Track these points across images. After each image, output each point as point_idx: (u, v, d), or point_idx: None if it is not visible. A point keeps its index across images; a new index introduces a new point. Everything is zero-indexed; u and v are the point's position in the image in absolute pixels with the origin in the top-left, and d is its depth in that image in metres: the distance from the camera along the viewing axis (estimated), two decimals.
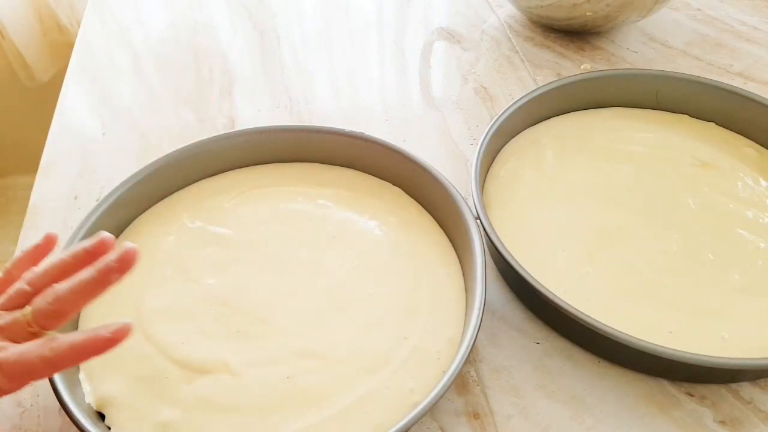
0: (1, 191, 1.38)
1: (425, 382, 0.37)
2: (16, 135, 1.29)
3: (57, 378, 0.36)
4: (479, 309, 0.39)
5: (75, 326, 0.42)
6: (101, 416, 0.38)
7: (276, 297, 0.42)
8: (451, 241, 0.46)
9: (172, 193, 0.49)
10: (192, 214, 0.48)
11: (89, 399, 0.38)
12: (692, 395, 0.41)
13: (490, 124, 0.50)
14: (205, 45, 0.72)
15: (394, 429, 0.34)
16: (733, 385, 0.42)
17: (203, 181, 0.50)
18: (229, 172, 0.51)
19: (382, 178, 0.50)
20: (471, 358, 0.43)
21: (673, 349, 0.37)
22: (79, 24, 0.81)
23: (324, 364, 0.39)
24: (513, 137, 0.55)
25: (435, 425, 0.40)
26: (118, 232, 0.47)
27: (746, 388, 0.41)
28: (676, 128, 0.56)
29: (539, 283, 0.41)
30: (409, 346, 0.40)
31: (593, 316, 0.39)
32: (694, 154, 0.53)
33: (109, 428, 0.37)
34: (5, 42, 1.14)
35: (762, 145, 0.54)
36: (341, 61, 0.70)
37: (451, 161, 0.57)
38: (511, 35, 0.72)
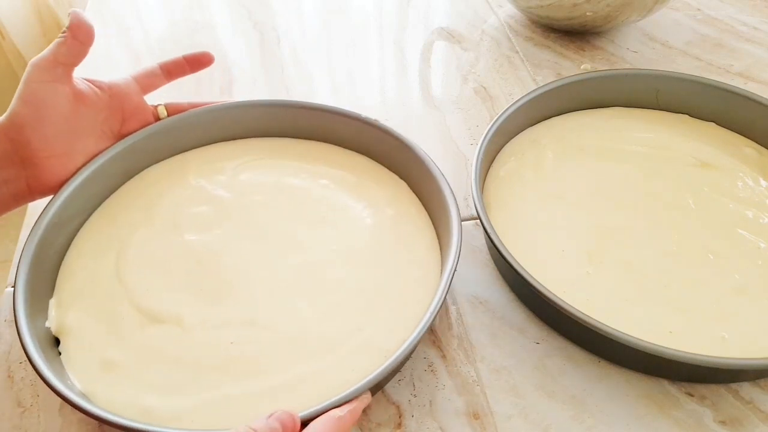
0: None
1: (364, 375, 0.36)
2: None
3: (20, 299, 0.39)
4: (432, 312, 0.38)
5: (54, 279, 0.43)
6: (58, 342, 0.40)
7: (248, 265, 0.43)
8: (440, 243, 0.45)
9: (187, 150, 0.51)
10: (198, 173, 0.50)
11: (50, 323, 0.40)
12: (692, 395, 0.41)
13: (490, 124, 0.50)
14: (205, 45, 0.72)
15: (306, 412, 0.33)
16: (733, 385, 0.42)
17: (219, 143, 0.52)
18: (246, 139, 0.52)
19: (390, 169, 0.50)
20: (470, 357, 0.43)
21: (673, 349, 0.37)
22: None
23: (271, 338, 0.39)
24: (513, 137, 0.55)
25: (435, 425, 0.40)
26: (127, 177, 0.49)
27: (746, 388, 0.41)
28: (676, 128, 0.56)
29: (539, 283, 0.41)
30: (360, 338, 0.40)
31: (593, 316, 0.39)
32: (694, 154, 0.53)
33: (60, 354, 0.40)
34: (5, 42, 1.14)
35: (762, 145, 0.54)
36: (341, 60, 0.70)
37: (451, 161, 0.57)
38: (511, 35, 0.72)
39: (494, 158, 0.53)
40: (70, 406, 0.40)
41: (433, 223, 0.47)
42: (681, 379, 0.42)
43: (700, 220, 0.48)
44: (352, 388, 0.35)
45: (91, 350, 0.39)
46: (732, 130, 0.55)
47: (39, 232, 0.42)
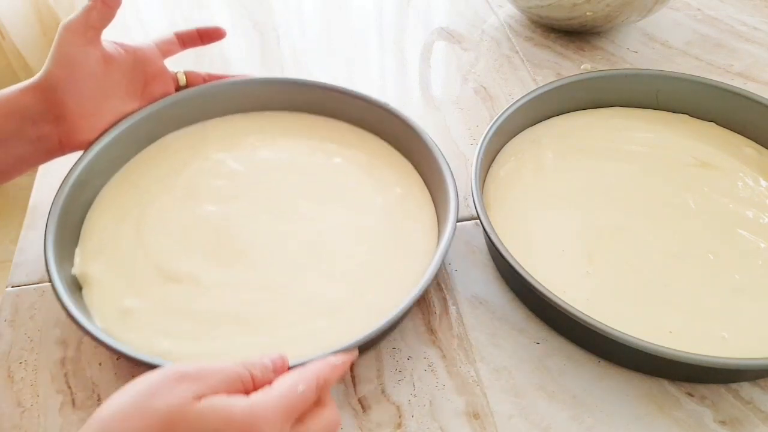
0: (1, 191, 1.38)
1: (363, 335, 0.38)
2: None
3: (50, 245, 0.42)
4: (424, 284, 0.40)
5: (78, 231, 0.47)
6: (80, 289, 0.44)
7: (262, 235, 0.46)
8: (439, 220, 0.48)
9: (207, 119, 0.54)
10: (219, 146, 0.52)
11: (75, 271, 0.44)
12: (692, 395, 0.41)
13: (490, 124, 0.50)
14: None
15: (297, 361, 0.35)
16: (733, 385, 0.42)
17: (238, 115, 0.55)
18: (264, 112, 0.55)
19: (396, 149, 0.53)
20: (470, 357, 0.43)
21: (673, 349, 0.37)
22: None
23: (279, 300, 0.43)
24: (513, 137, 0.55)
25: (435, 425, 0.40)
26: (150, 141, 0.52)
27: (746, 388, 0.41)
28: (676, 128, 0.56)
29: (539, 283, 0.41)
30: (362, 302, 0.43)
31: (593, 316, 0.39)
32: (694, 154, 0.53)
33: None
34: (5, 42, 1.14)
35: (762, 145, 0.54)
36: (341, 61, 0.70)
37: (451, 161, 0.56)
38: (511, 35, 0.72)
39: (494, 158, 0.53)
40: (71, 406, 0.40)
41: (434, 201, 0.49)
42: (681, 379, 0.42)
43: (700, 220, 0.48)
44: (348, 344, 0.37)
45: (111, 299, 0.43)
46: (732, 130, 0.55)
47: (66, 187, 0.45)
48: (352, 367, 0.43)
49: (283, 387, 0.30)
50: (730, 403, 0.41)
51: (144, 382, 0.29)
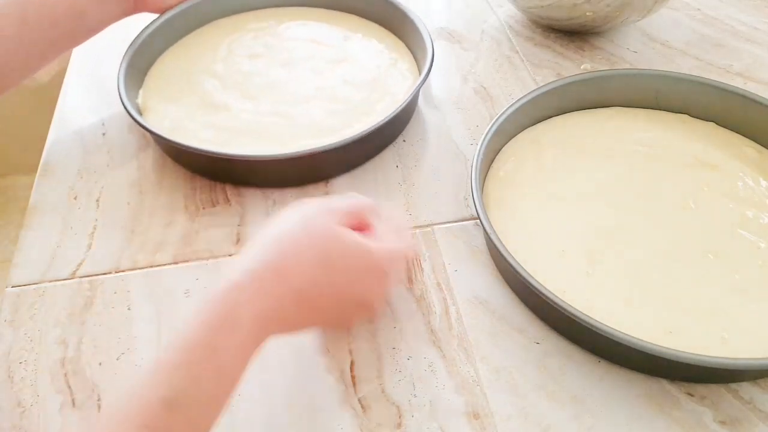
0: (1, 191, 1.38)
1: (350, 137, 0.52)
2: (16, 135, 1.29)
3: (122, 86, 0.56)
4: (397, 109, 0.54)
5: (141, 79, 0.61)
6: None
7: (282, 80, 0.61)
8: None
9: (250, 10, 0.70)
10: (255, 26, 0.68)
11: (138, 101, 0.59)
12: (692, 395, 0.41)
13: (490, 124, 0.50)
14: None
15: (292, 153, 0.51)
16: (733, 385, 0.42)
17: (274, 8, 0.71)
18: (287, 7, 0.70)
19: (394, 34, 0.67)
20: (471, 357, 0.43)
21: (673, 349, 0.37)
22: None
23: (291, 123, 0.57)
24: (513, 137, 0.55)
25: (435, 425, 0.40)
26: (198, 25, 0.67)
27: (746, 388, 0.42)
28: (676, 128, 0.56)
29: (539, 283, 0.41)
30: (352, 129, 0.55)
31: (593, 316, 0.39)
32: (694, 154, 0.53)
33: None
34: None
35: (762, 145, 0.54)
36: None
37: (451, 161, 0.57)
38: (511, 35, 0.72)
39: (494, 158, 0.53)
40: (71, 406, 0.40)
41: (419, 69, 0.62)
42: (681, 379, 0.42)
43: (700, 220, 0.48)
44: (343, 138, 0.52)
45: (165, 120, 0.57)
46: (732, 130, 0.55)
47: (135, 45, 0.60)
48: (352, 367, 0.43)
49: (396, 246, 0.42)
50: (730, 403, 0.41)
51: (291, 214, 0.39)
